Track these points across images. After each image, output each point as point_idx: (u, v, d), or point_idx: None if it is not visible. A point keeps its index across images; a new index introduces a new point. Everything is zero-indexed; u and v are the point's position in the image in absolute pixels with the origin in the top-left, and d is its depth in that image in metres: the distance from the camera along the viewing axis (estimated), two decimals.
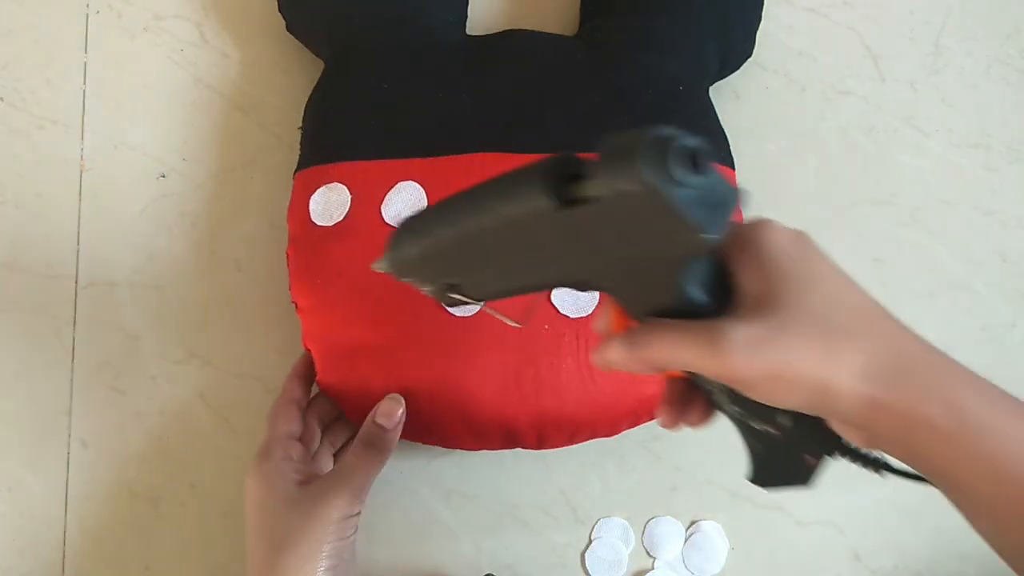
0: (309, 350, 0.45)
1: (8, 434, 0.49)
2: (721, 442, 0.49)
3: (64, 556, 0.48)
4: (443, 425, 0.44)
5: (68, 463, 0.49)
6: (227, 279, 0.51)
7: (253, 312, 0.51)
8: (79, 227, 0.52)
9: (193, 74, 0.54)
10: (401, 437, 0.45)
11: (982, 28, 0.56)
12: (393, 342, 0.43)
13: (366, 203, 0.45)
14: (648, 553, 0.48)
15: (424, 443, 0.46)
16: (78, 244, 0.51)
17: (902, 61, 0.55)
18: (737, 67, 0.52)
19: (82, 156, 0.53)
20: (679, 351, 0.30)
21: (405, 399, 0.44)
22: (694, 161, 0.26)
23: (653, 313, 0.30)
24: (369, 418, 0.43)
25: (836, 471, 0.49)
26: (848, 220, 0.53)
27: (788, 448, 0.32)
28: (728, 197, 0.27)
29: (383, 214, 0.45)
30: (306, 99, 0.50)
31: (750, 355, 0.28)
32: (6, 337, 0.50)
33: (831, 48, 0.55)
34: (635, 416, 0.45)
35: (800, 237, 0.31)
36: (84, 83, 0.53)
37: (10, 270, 0.51)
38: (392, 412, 0.43)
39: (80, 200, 0.52)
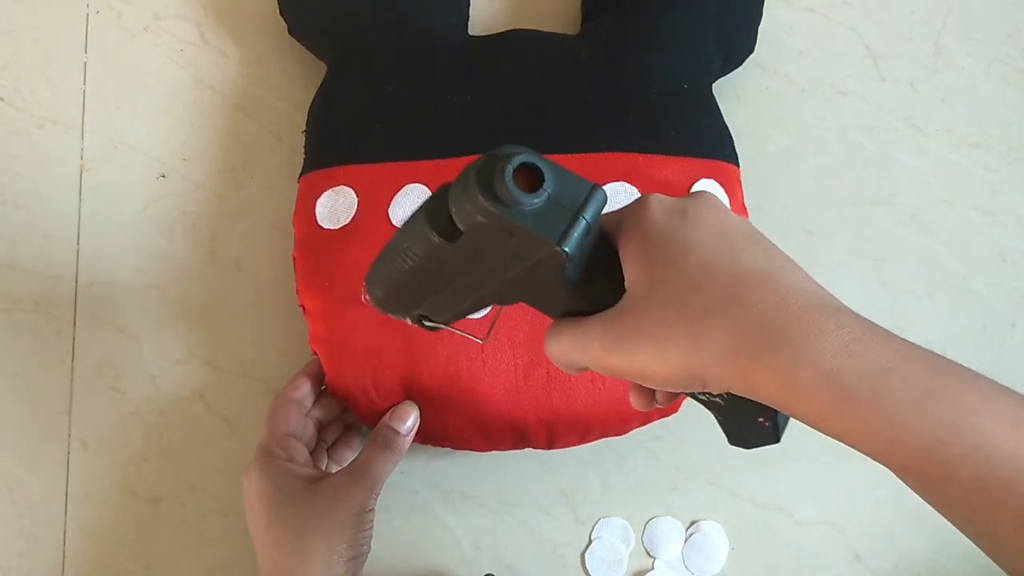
0: (316, 353, 0.45)
1: (8, 434, 0.49)
2: (721, 442, 0.50)
3: (64, 556, 0.48)
4: (453, 427, 0.44)
5: (68, 463, 0.49)
6: (227, 279, 0.51)
7: (253, 312, 0.51)
8: (79, 227, 0.52)
9: (193, 74, 0.54)
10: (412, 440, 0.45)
11: (982, 28, 0.56)
12: (402, 344, 0.43)
13: (373, 206, 0.45)
14: (648, 553, 0.48)
15: (434, 445, 0.46)
16: (78, 244, 0.51)
17: (902, 61, 0.55)
18: (739, 64, 0.52)
19: (82, 156, 0.53)
20: (566, 350, 0.31)
21: (415, 400, 0.44)
22: (536, 175, 0.27)
23: (566, 314, 0.32)
24: (384, 420, 0.43)
25: (837, 471, 0.49)
26: (848, 220, 0.53)
27: (737, 413, 0.32)
28: (583, 198, 0.28)
29: (390, 217, 0.45)
30: (307, 99, 0.50)
31: (614, 353, 0.29)
32: (6, 337, 0.50)
33: (831, 48, 0.55)
34: (645, 415, 0.45)
35: (675, 209, 0.30)
36: (84, 83, 0.53)
37: (10, 270, 0.51)
38: (406, 416, 0.43)
39: (80, 200, 0.52)
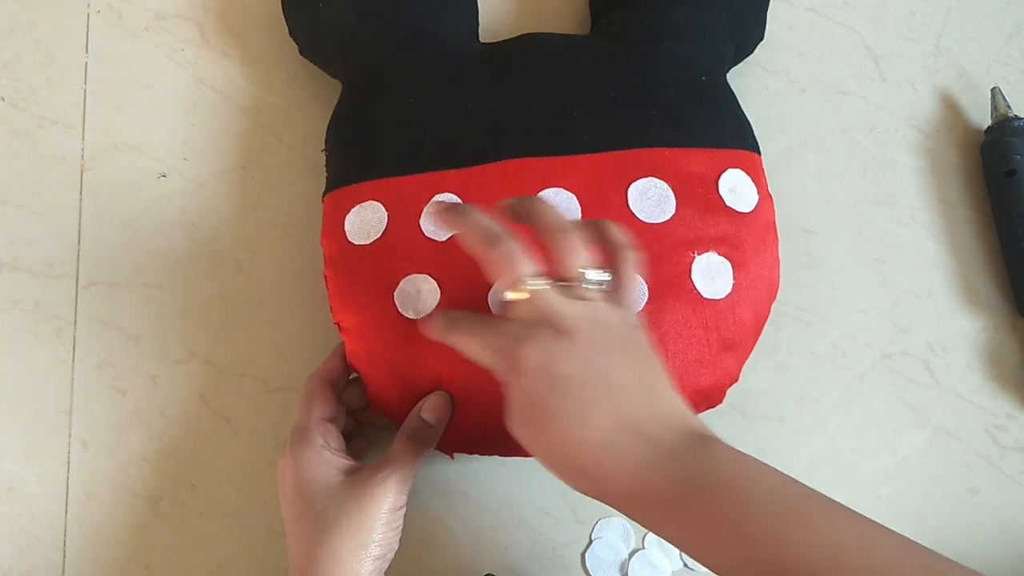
0: (356, 369, 0.45)
1: (8, 434, 0.49)
2: None
3: (64, 556, 0.48)
4: (503, 434, 0.44)
5: (68, 463, 0.49)
6: (228, 279, 0.51)
7: (254, 312, 0.51)
8: (80, 227, 0.52)
9: (194, 74, 0.54)
10: (460, 451, 0.45)
11: (982, 28, 0.56)
12: (445, 355, 0.43)
13: (404, 219, 0.45)
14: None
15: (482, 455, 0.45)
16: (79, 244, 0.51)
17: (903, 61, 0.55)
18: (751, 51, 0.52)
19: (83, 156, 0.53)
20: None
21: (462, 411, 0.44)
22: None
23: None
24: (415, 412, 0.43)
25: (837, 471, 0.49)
26: (848, 220, 0.53)
27: None
28: None
29: (422, 228, 0.44)
30: (308, 99, 0.50)
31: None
32: (6, 337, 0.50)
33: (831, 48, 0.55)
34: (693, 408, 0.45)
35: (543, 379, 0.35)
36: (85, 83, 0.54)
37: (11, 270, 0.51)
38: (437, 408, 0.43)
39: (81, 200, 0.52)
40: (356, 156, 0.47)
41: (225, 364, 0.50)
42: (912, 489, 0.49)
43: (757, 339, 0.46)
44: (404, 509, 0.41)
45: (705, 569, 0.48)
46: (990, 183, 0.52)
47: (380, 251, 0.44)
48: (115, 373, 0.50)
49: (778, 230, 0.48)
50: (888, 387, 0.50)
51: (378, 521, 0.40)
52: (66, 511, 0.49)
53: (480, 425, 0.44)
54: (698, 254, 0.44)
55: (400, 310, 0.43)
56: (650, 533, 0.48)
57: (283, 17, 0.51)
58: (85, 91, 0.53)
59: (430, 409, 0.43)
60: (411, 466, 0.42)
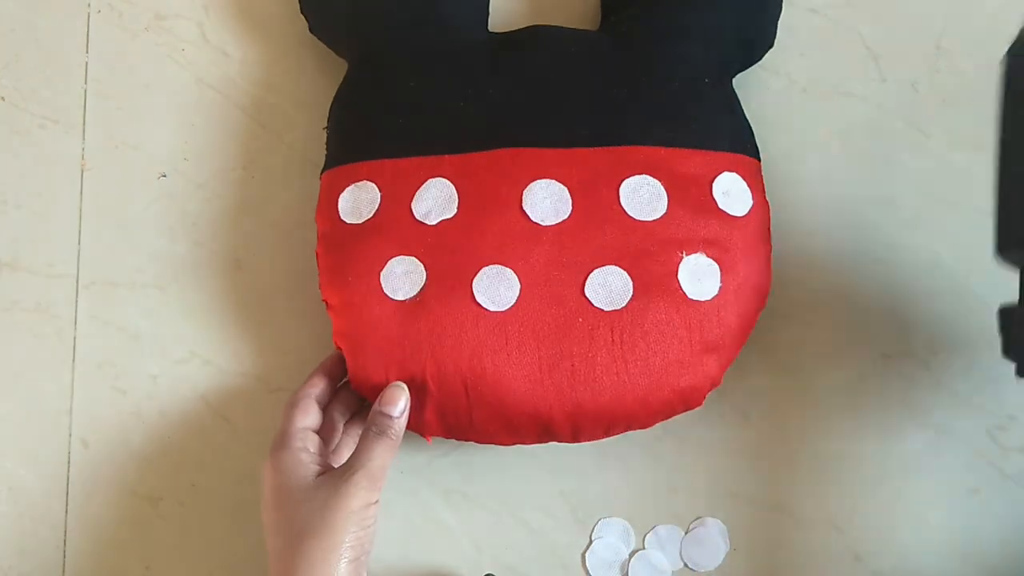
0: (340, 347, 0.45)
1: (8, 434, 0.49)
2: (721, 442, 0.50)
3: (64, 556, 0.48)
4: (478, 420, 0.44)
5: (69, 463, 0.49)
6: (228, 278, 0.51)
7: (254, 311, 0.51)
8: (80, 226, 0.52)
9: (194, 74, 0.54)
10: (436, 435, 0.45)
11: (984, 28, 0.56)
12: (426, 338, 0.43)
13: (396, 200, 0.45)
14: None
15: (457, 439, 0.45)
16: (79, 243, 0.52)
17: (903, 61, 0.55)
18: (759, 58, 0.52)
19: (83, 155, 0.53)
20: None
21: (440, 394, 0.44)
22: None
23: None
24: (375, 407, 0.43)
25: (837, 471, 0.49)
26: (848, 220, 0.53)
27: None
28: None
29: (413, 211, 0.45)
30: (308, 99, 0.50)
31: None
32: (6, 337, 0.50)
33: (832, 48, 0.55)
34: (670, 408, 0.45)
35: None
36: (85, 82, 0.54)
37: (11, 269, 0.51)
38: (395, 400, 0.43)
39: (81, 199, 0.52)
40: (355, 135, 0.48)
41: (225, 364, 0.50)
42: (912, 489, 0.49)
43: (743, 344, 0.46)
44: (376, 506, 0.41)
45: (705, 570, 0.48)
46: (1009, 102, 0.47)
47: (370, 231, 0.45)
48: (115, 373, 0.50)
49: (780, 230, 0.48)
50: (888, 387, 0.50)
51: (348, 521, 0.39)
52: (66, 511, 0.49)
53: (459, 410, 0.44)
54: (686, 254, 0.45)
55: (385, 291, 0.44)
56: (650, 533, 0.48)
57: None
58: (85, 91, 0.53)
59: (388, 402, 0.43)
60: (379, 462, 0.41)
